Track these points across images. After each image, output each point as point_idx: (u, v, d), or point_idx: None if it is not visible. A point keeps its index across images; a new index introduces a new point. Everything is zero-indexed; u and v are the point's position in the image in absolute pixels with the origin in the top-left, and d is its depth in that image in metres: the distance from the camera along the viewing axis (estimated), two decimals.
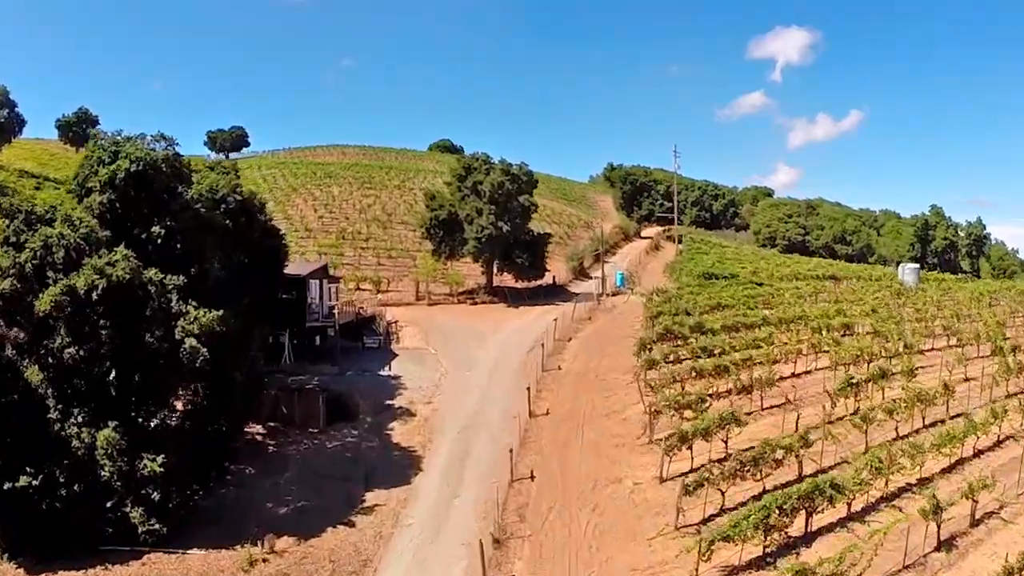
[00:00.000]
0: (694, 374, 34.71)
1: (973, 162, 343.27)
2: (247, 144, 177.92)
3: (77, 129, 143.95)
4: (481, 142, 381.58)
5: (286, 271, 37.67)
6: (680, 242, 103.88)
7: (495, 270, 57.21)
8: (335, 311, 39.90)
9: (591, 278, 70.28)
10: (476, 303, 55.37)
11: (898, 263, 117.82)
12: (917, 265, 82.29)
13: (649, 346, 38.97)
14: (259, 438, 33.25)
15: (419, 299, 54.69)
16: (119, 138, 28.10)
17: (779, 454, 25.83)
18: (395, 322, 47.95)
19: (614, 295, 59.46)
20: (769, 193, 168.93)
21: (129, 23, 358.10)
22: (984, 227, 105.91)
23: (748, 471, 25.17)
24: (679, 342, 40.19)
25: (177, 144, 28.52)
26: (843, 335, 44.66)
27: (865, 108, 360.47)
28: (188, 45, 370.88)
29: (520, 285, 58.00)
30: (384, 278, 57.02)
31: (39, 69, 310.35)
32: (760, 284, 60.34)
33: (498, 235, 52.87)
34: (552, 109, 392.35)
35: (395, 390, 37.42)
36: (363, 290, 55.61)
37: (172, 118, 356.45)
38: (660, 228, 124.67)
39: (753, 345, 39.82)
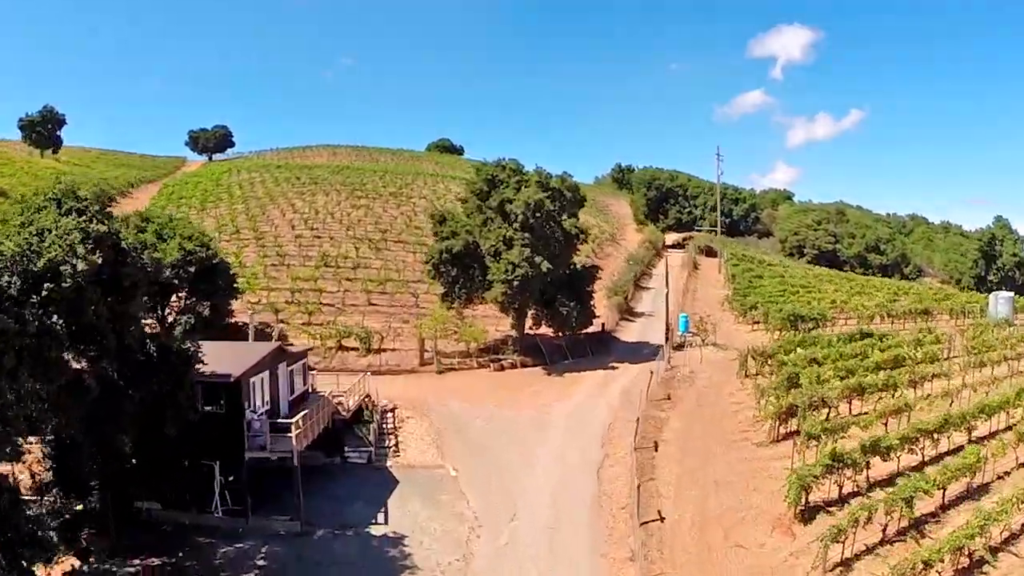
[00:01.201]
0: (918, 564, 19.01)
1: (972, 161, 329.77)
2: (231, 144, 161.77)
3: (42, 130, 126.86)
4: (477, 141, 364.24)
5: (207, 370, 21.36)
6: (717, 256, 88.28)
7: (528, 319, 41.13)
8: (295, 432, 23.31)
9: (639, 316, 54.48)
10: (503, 367, 39.14)
11: (958, 281, 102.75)
12: (1011, 294, 66.84)
13: (807, 485, 23.24)
14: None
15: (425, 364, 38.44)
16: None
17: None
18: (392, 410, 31.75)
19: (681, 347, 43.56)
20: (789, 196, 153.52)
21: (117, 21, 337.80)
22: None
23: None
24: (848, 472, 24.43)
25: None
26: None
27: (866, 107, 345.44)
28: (177, 46, 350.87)
29: (559, 333, 41.91)
30: (376, 332, 40.57)
31: (9, 66, 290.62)
32: (869, 335, 44.55)
33: (535, 275, 36.75)
34: (550, 107, 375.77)
35: (397, 573, 21.32)
36: (348, 349, 39.33)
37: (161, 117, 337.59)
38: (679, 236, 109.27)
39: (959, 472, 24.34)
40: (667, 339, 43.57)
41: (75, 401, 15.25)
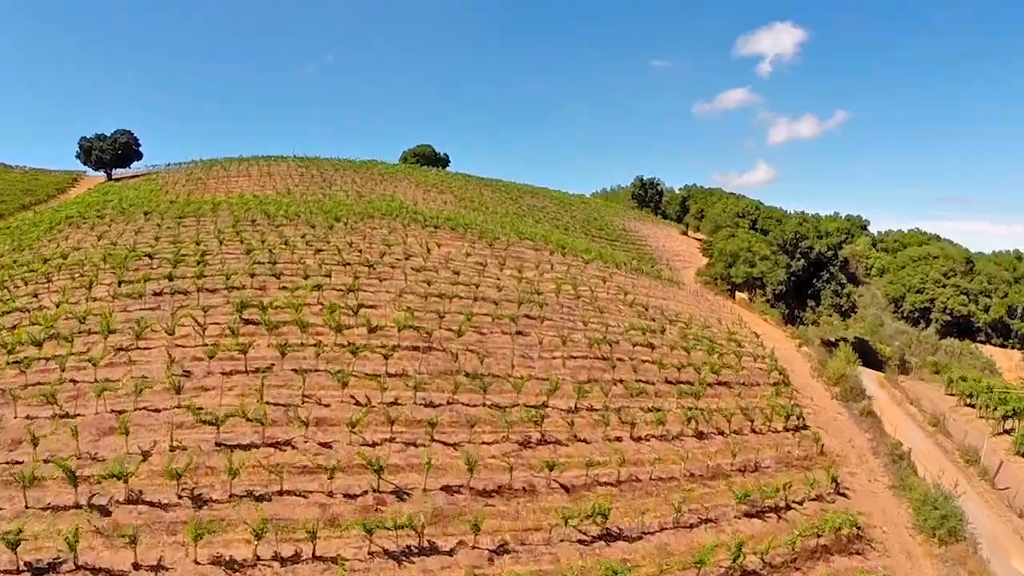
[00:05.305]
0: None
1: (951, 160, 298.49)
2: (138, 155, 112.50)
3: None
4: (456, 148, 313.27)
5: None
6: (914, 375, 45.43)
7: None
8: None
9: None
10: None
11: None
12: None
13: None
14: None
15: None
16: None
17: None
18: None
19: None
20: (863, 225, 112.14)
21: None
22: None
23: None
24: None
25: None
26: None
27: (851, 109, 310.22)
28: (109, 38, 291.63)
29: None
30: None
31: None
32: None
33: None
34: (532, 108, 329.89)
35: None
36: None
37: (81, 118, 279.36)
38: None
39: None
40: None
41: None
